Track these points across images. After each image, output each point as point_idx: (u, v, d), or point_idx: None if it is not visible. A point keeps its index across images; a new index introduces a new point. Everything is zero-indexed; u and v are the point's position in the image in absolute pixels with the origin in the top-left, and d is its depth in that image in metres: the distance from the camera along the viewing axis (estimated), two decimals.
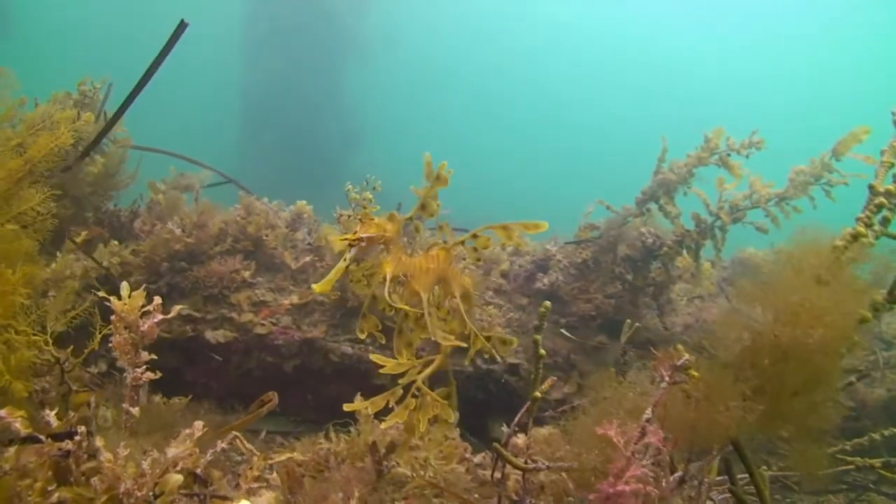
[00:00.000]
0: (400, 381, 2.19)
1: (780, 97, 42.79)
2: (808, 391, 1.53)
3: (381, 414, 3.13)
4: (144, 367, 2.37)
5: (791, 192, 4.45)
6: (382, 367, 5.04)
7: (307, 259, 4.96)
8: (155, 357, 2.42)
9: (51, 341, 2.53)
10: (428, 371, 2.21)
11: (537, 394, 2.50)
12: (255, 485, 2.63)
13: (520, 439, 2.96)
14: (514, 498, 2.73)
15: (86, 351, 2.74)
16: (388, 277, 2.10)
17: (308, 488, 2.81)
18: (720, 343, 1.65)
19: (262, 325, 4.46)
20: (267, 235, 4.92)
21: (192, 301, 4.48)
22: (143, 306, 2.36)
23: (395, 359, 2.24)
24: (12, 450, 1.99)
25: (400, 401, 2.21)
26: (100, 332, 2.73)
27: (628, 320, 3.46)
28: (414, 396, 2.22)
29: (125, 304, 2.28)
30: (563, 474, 2.43)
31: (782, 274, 1.55)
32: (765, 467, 3.28)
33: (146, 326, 2.31)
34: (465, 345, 2.20)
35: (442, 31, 40.05)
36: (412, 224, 2.14)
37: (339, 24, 21.71)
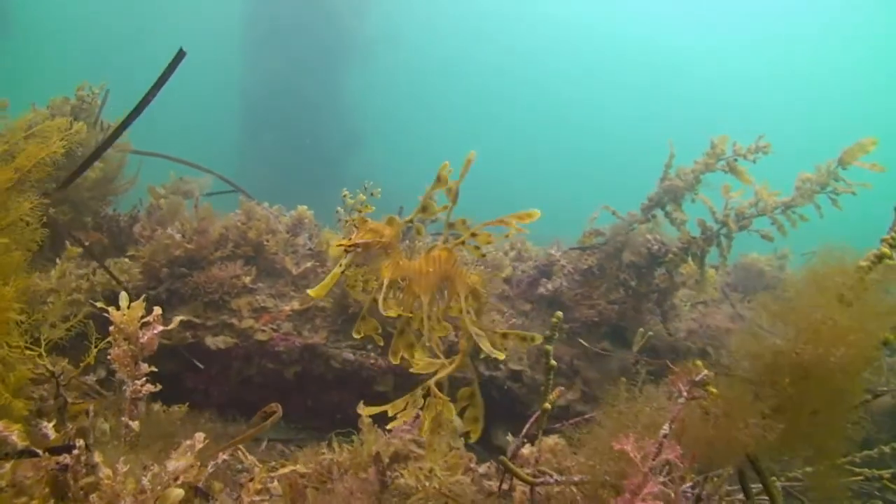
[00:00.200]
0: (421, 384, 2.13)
1: (780, 97, 42.80)
2: (828, 410, 1.49)
3: (384, 423, 3.10)
4: (144, 379, 2.32)
5: (798, 201, 4.41)
6: (384, 373, 4.94)
7: (308, 264, 4.92)
8: (155, 369, 2.37)
9: (45, 354, 2.48)
10: (444, 373, 2.15)
11: (547, 405, 2.45)
12: (258, 498, 2.58)
13: (526, 450, 2.92)
14: None
15: (82, 364, 2.69)
16: (385, 282, 2.06)
17: (311, 500, 2.77)
18: (738, 359, 1.61)
19: (263, 331, 4.41)
20: (268, 241, 4.87)
21: (192, 307, 4.43)
22: (142, 317, 2.31)
23: (391, 360, 2.19)
24: (8, 465, 1.94)
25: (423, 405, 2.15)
26: (95, 347, 2.67)
27: (641, 329, 3.41)
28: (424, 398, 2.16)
29: (124, 314, 2.23)
30: (573, 487, 2.38)
31: (805, 291, 1.51)
32: (773, 477, 3.24)
33: (146, 338, 2.26)
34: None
35: (442, 31, 40.01)
36: (413, 226, 2.10)
37: (340, 25, 21.65)
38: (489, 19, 42.01)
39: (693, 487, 2.08)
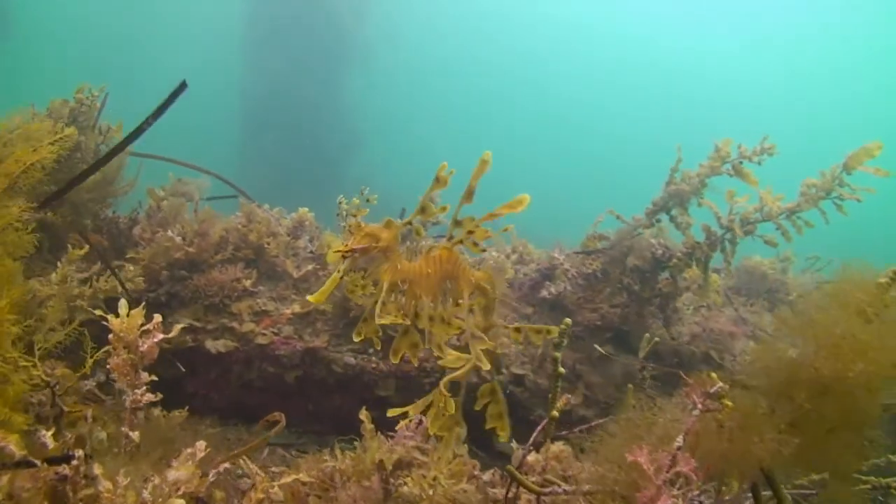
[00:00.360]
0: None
1: (782, 98, 42.79)
2: (845, 426, 1.46)
3: (387, 429, 3.06)
4: (144, 388, 2.28)
5: (803, 206, 4.37)
6: (386, 377, 4.90)
7: (309, 268, 4.88)
8: (156, 378, 2.33)
9: (41, 362, 2.43)
10: (458, 374, 2.10)
11: (555, 413, 2.41)
12: None
13: (532, 457, 2.88)
14: None
15: (79, 374, 2.64)
16: (384, 286, 2.02)
17: None
18: (754, 372, 1.58)
19: (264, 334, 4.37)
20: (268, 243, 4.83)
21: (192, 310, 4.39)
22: (142, 324, 2.27)
23: (391, 360, 2.16)
24: (6, 477, 1.90)
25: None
26: (94, 353, 2.63)
27: (647, 335, 3.37)
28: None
29: (123, 322, 2.19)
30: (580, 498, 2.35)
31: (826, 306, 1.48)
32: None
33: (146, 346, 2.22)
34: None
35: (442, 32, 39.97)
36: (412, 228, 2.06)
37: (340, 25, 21.62)
38: (489, 19, 41.98)
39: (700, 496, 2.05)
